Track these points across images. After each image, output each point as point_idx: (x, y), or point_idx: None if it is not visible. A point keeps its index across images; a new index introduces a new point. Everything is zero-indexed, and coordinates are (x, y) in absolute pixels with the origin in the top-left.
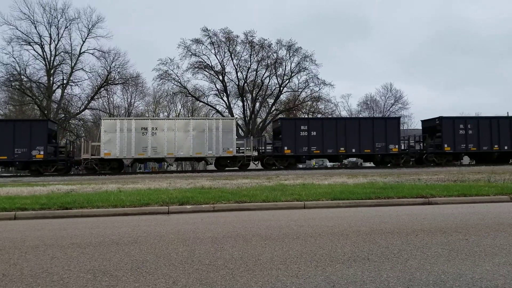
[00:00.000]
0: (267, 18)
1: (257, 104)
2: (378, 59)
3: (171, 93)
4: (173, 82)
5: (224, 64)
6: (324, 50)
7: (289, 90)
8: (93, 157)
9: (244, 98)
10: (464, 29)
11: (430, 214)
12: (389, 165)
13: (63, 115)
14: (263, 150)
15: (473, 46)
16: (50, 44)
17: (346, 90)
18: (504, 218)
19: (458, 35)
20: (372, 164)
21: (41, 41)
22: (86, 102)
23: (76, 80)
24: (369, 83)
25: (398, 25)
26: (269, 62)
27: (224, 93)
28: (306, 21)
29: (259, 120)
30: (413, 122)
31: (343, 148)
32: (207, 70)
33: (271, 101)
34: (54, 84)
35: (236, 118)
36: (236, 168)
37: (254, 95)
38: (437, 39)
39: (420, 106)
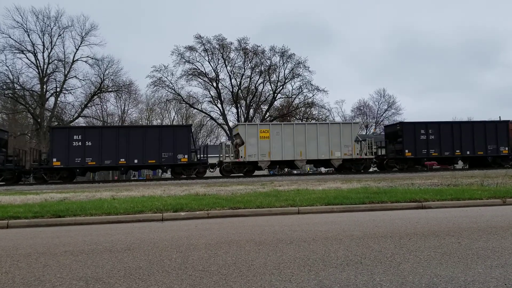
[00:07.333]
0: (232, 28)
1: (251, 111)
2: (342, 68)
3: (165, 100)
4: (167, 89)
5: (218, 71)
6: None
7: (283, 96)
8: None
9: (238, 105)
10: (419, 40)
11: (423, 218)
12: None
13: (56, 123)
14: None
15: (432, 55)
16: (43, 52)
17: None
18: (496, 221)
19: (414, 45)
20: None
21: (34, 49)
22: (80, 110)
23: (69, 88)
24: (338, 91)
25: (357, 36)
26: (262, 68)
27: (218, 100)
28: (265, 31)
29: None
30: None
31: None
32: (201, 77)
33: (265, 107)
34: (48, 92)
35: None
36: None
37: (248, 101)
38: (395, 49)
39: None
